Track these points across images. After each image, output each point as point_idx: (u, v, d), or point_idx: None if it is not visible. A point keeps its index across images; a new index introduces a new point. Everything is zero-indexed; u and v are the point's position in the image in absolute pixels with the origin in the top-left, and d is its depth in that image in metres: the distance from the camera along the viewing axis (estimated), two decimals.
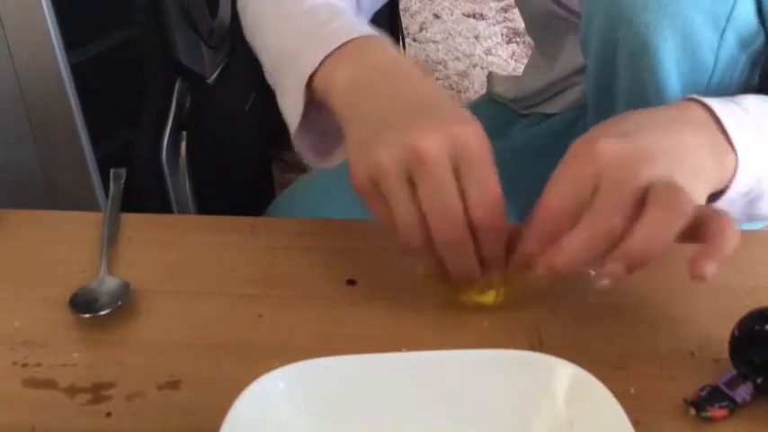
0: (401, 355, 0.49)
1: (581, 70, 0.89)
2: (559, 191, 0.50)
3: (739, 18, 0.64)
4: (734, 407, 0.49)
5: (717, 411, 0.48)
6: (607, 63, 0.69)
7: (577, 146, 0.52)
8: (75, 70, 0.90)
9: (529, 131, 0.96)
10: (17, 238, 0.66)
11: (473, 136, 0.51)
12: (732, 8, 0.63)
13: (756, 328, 0.49)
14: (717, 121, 0.54)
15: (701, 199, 0.52)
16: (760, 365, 0.49)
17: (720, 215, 0.49)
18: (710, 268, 0.46)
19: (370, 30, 0.61)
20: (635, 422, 0.42)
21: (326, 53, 0.58)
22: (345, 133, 0.55)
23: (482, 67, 2.38)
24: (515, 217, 0.69)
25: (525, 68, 1.04)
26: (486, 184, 0.51)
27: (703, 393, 0.49)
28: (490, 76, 1.05)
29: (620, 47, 0.67)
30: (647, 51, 0.65)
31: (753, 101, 0.57)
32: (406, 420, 0.46)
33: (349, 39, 0.59)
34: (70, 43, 0.89)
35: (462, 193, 0.50)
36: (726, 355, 0.50)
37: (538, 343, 0.54)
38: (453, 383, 0.46)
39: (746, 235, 0.61)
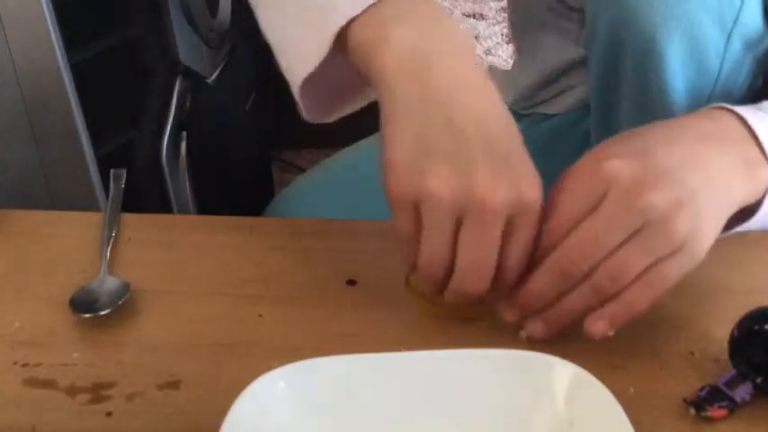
0: (401, 354, 0.49)
1: (566, 69, 0.89)
2: (564, 208, 0.50)
3: (746, 20, 0.63)
4: (733, 407, 0.49)
5: (716, 411, 0.48)
6: (612, 63, 0.69)
7: (586, 162, 0.50)
8: (75, 70, 0.90)
9: (530, 132, 0.96)
10: (17, 238, 0.65)
11: (535, 197, 0.49)
12: (739, 10, 0.63)
13: (756, 327, 0.49)
14: (750, 130, 0.52)
15: (720, 223, 0.51)
16: (759, 365, 0.49)
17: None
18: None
19: None
20: (635, 422, 0.42)
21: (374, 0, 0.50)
22: (388, 119, 0.49)
23: (490, 66, 2.38)
24: None
25: (512, 66, 1.04)
26: (529, 248, 0.50)
27: (703, 393, 0.49)
28: (490, 70, 1.04)
29: (625, 47, 0.66)
30: (653, 51, 0.64)
31: None
32: (405, 420, 0.46)
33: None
34: (70, 43, 0.89)
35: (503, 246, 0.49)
36: (725, 355, 0.50)
37: (538, 343, 0.54)
38: (453, 383, 0.46)
39: (746, 236, 0.62)
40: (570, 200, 0.50)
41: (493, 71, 1.05)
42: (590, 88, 0.75)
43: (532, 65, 0.94)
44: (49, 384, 0.52)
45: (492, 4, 2.69)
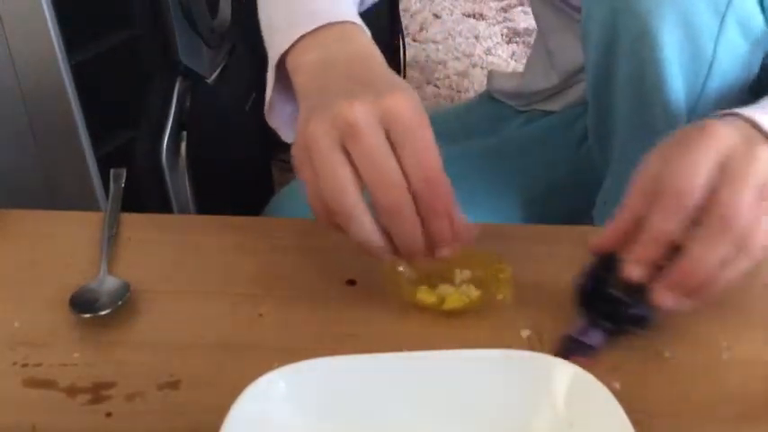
0: (401, 355, 0.49)
1: (581, 70, 0.89)
2: (689, 161, 0.49)
3: (739, 5, 0.63)
4: (593, 352, 0.51)
5: (578, 359, 0.49)
6: (607, 50, 0.69)
7: (690, 130, 0.50)
8: (75, 70, 0.90)
9: (527, 128, 0.96)
10: (17, 238, 0.66)
11: (403, 104, 0.50)
12: None
13: (600, 276, 0.52)
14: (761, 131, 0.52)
15: None
16: (606, 312, 0.52)
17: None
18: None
19: (349, 14, 0.60)
20: (635, 422, 0.42)
21: (302, 33, 0.58)
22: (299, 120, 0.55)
23: (482, 67, 2.37)
24: (507, 211, 0.70)
25: (526, 67, 1.04)
26: (421, 152, 0.49)
27: (561, 345, 0.52)
28: (490, 74, 1.05)
29: (620, 33, 0.66)
30: (648, 37, 0.64)
31: None
32: (405, 420, 0.46)
33: (327, 22, 0.58)
34: (70, 43, 0.89)
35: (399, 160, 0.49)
36: (727, 354, 0.50)
37: (538, 343, 0.54)
38: (453, 383, 0.46)
39: None
40: (693, 160, 0.49)
41: (492, 73, 1.05)
42: (586, 76, 0.75)
43: (552, 65, 0.94)
44: (49, 384, 0.52)
45: (492, 4, 2.68)
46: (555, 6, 0.92)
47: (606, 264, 0.52)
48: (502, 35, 2.54)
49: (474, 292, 0.56)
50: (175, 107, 1.10)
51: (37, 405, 0.50)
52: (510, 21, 2.61)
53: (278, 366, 0.49)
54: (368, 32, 0.60)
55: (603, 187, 0.78)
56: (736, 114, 0.53)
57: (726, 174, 0.48)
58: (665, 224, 0.49)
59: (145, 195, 1.08)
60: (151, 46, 1.05)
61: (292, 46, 0.58)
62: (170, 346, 0.55)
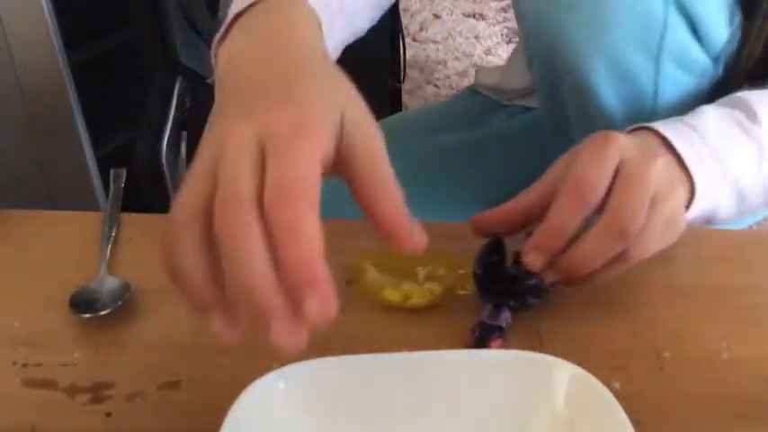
0: (401, 355, 0.49)
1: None
2: (594, 165, 0.51)
3: (673, 43, 0.64)
4: (504, 333, 0.53)
5: (495, 343, 0.53)
6: (553, 95, 0.71)
7: (596, 135, 0.53)
8: (75, 70, 0.90)
9: (509, 122, 0.96)
10: (17, 238, 0.65)
11: (286, 121, 0.39)
12: (662, 35, 0.63)
13: (493, 260, 0.55)
14: (672, 149, 0.55)
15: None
16: (505, 291, 0.54)
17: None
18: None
19: None
20: (635, 422, 0.42)
21: (237, 11, 0.51)
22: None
23: (480, 66, 2.37)
24: (489, 205, 0.70)
25: (506, 64, 1.04)
26: (285, 170, 0.38)
27: (476, 334, 0.53)
28: (478, 70, 1.05)
29: (560, 81, 0.68)
30: (585, 85, 0.66)
31: (712, 121, 0.58)
32: (405, 420, 0.46)
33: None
34: (70, 43, 0.89)
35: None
36: (727, 354, 0.50)
37: (538, 343, 0.54)
38: (453, 383, 0.46)
39: (746, 235, 0.62)
40: (593, 159, 0.52)
41: (479, 70, 1.06)
42: (540, 108, 0.76)
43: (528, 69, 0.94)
44: (49, 384, 0.52)
45: (492, 4, 2.69)
46: None
47: (493, 248, 0.55)
48: (502, 35, 2.54)
49: (437, 289, 0.57)
50: (175, 107, 1.10)
51: (37, 405, 0.50)
52: (510, 21, 2.61)
53: (278, 366, 0.49)
54: (311, 11, 0.51)
55: None
56: (646, 128, 0.56)
57: (621, 179, 0.51)
58: (564, 216, 0.51)
59: (145, 195, 1.08)
60: (151, 46, 1.05)
61: (231, 23, 0.51)
62: (170, 346, 0.55)
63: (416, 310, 0.56)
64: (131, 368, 0.53)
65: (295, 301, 0.37)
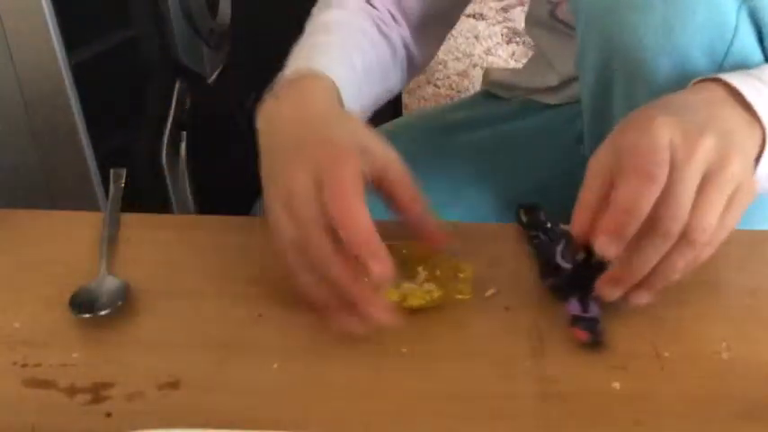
0: None
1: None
2: (653, 143, 0.49)
3: (739, 50, 0.63)
4: (599, 322, 0.54)
5: (597, 335, 0.53)
6: (602, 93, 0.69)
7: (636, 119, 0.52)
8: (75, 70, 0.90)
9: (523, 123, 0.96)
10: (17, 238, 0.65)
11: (327, 155, 0.53)
12: (730, 43, 0.62)
13: (555, 262, 0.57)
14: (738, 96, 0.54)
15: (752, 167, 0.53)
16: (582, 282, 0.54)
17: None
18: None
19: (323, 61, 0.65)
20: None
21: (282, 79, 0.64)
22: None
23: (482, 67, 2.37)
24: (498, 205, 0.70)
25: (526, 65, 1.04)
26: (333, 182, 0.52)
27: (585, 331, 0.53)
28: (487, 71, 1.05)
29: (615, 78, 0.67)
30: (644, 82, 0.65)
31: None
32: None
33: (298, 69, 0.64)
34: (70, 43, 0.88)
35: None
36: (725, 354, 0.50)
37: (538, 343, 0.54)
38: None
39: (747, 235, 0.62)
40: (640, 148, 0.50)
41: (489, 70, 1.05)
42: (583, 110, 0.75)
43: (550, 70, 0.94)
44: (48, 384, 0.52)
45: (492, 4, 2.68)
46: (549, 27, 0.92)
47: (548, 251, 0.57)
48: (502, 35, 2.54)
49: (435, 291, 0.57)
50: (175, 107, 1.10)
51: (36, 405, 0.50)
52: (510, 21, 2.61)
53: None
54: (329, 81, 0.64)
55: None
56: (711, 80, 0.56)
57: (672, 169, 0.49)
58: (632, 194, 0.49)
59: (145, 195, 1.08)
60: (151, 46, 1.05)
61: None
62: (170, 346, 0.55)
63: (415, 311, 0.56)
64: (131, 368, 0.53)
65: (363, 270, 0.51)
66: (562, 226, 0.59)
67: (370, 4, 0.78)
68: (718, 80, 0.56)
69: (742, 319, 0.56)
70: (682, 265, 0.51)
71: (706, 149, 0.49)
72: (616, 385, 0.50)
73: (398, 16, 0.79)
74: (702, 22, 0.62)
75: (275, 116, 0.62)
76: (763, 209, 0.68)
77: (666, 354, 0.53)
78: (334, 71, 0.64)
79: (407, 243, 0.58)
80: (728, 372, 0.52)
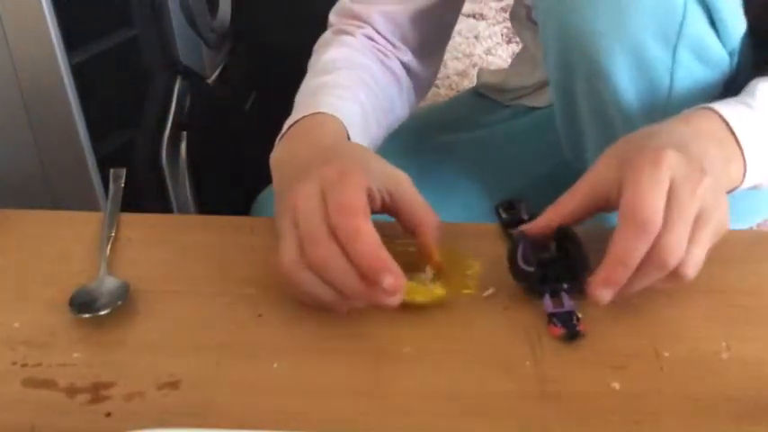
0: None
1: None
2: (652, 193, 0.51)
3: (691, 33, 0.64)
4: (575, 315, 0.54)
5: (581, 327, 0.54)
6: (566, 88, 0.70)
7: (645, 147, 0.53)
8: (75, 70, 0.90)
9: (511, 123, 0.96)
10: (17, 238, 0.65)
11: (333, 171, 0.54)
12: (681, 24, 0.63)
13: (524, 262, 0.57)
14: (728, 126, 0.56)
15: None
16: (552, 278, 0.56)
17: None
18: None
19: (330, 101, 0.66)
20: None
21: (289, 124, 0.65)
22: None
23: (482, 68, 2.37)
24: (489, 205, 0.70)
25: (511, 64, 1.04)
26: (339, 197, 0.52)
27: (559, 326, 0.54)
28: (480, 72, 1.05)
29: (575, 72, 0.68)
30: (602, 75, 0.66)
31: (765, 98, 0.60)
32: None
33: (304, 115, 0.65)
34: (70, 43, 0.89)
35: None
36: (725, 354, 0.50)
37: (538, 343, 0.54)
38: None
39: (746, 235, 0.62)
40: (650, 184, 0.51)
41: (481, 71, 1.06)
42: (554, 104, 0.76)
43: (536, 67, 0.94)
44: (48, 384, 0.52)
45: (492, 5, 2.69)
46: (532, 29, 0.93)
47: (516, 249, 0.57)
48: (502, 35, 2.54)
49: (441, 289, 0.57)
50: (175, 107, 1.10)
51: (36, 405, 0.50)
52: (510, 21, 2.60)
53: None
54: (338, 123, 0.65)
55: None
56: (709, 109, 0.58)
57: (668, 208, 0.50)
58: (628, 247, 0.51)
59: (145, 195, 1.08)
60: (151, 46, 1.05)
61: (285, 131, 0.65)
62: (170, 346, 0.55)
63: (420, 309, 0.56)
64: (131, 368, 0.53)
65: (372, 283, 0.51)
66: (522, 228, 0.59)
67: (369, 38, 0.78)
68: (711, 110, 0.58)
69: (742, 319, 0.56)
70: (667, 286, 0.53)
71: (705, 189, 0.51)
72: (616, 385, 0.50)
73: (398, 43, 0.80)
74: (649, 4, 0.63)
75: (286, 155, 0.63)
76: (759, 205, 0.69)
77: (666, 354, 0.53)
78: (341, 111, 0.65)
79: (414, 241, 0.58)
80: (728, 372, 0.52)
